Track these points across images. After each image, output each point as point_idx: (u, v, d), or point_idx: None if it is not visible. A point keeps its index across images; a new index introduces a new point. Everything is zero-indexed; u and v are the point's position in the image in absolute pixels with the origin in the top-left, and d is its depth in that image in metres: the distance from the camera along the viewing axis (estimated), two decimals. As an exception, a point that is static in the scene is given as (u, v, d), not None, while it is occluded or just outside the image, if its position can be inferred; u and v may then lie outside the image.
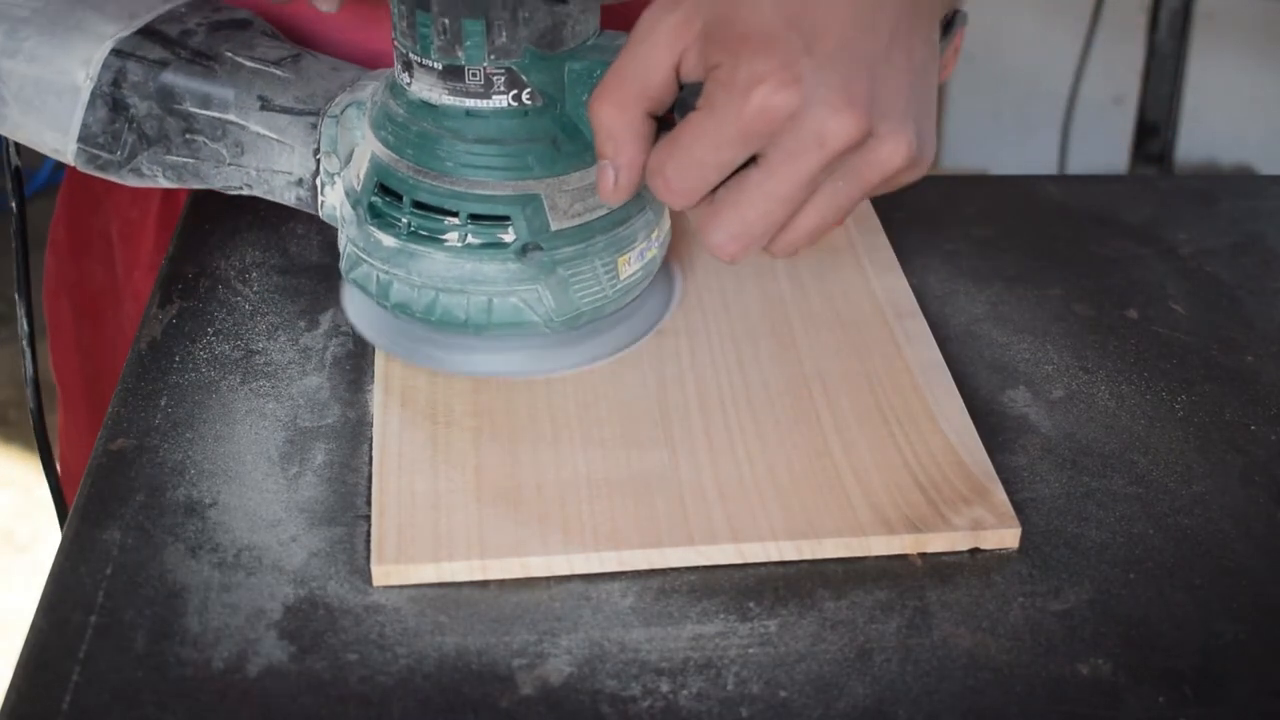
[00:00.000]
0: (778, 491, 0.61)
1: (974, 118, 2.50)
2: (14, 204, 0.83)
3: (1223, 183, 0.99)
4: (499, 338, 0.66)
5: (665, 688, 0.54)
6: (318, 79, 0.70)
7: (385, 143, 0.64)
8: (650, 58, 0.55)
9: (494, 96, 0.62)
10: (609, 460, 0.63)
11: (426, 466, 0.62)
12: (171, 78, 0.70)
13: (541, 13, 0.60)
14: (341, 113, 0.68)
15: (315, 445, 0.64)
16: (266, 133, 0.70)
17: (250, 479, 0.62)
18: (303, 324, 0.72)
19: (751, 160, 0.55)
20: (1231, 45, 2.36)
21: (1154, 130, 2.34)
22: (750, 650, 0.55)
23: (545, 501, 0.60)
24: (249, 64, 0.71)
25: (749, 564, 0.59)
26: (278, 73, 0.70)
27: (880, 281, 0.74)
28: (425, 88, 0.63)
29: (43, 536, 1.98)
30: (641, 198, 0.59)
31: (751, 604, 0.57)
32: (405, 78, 0.64)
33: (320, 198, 0.70)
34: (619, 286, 0.66)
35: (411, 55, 0.62)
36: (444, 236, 0.64)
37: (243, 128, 0.70)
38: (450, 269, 0.64)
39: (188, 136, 0.71)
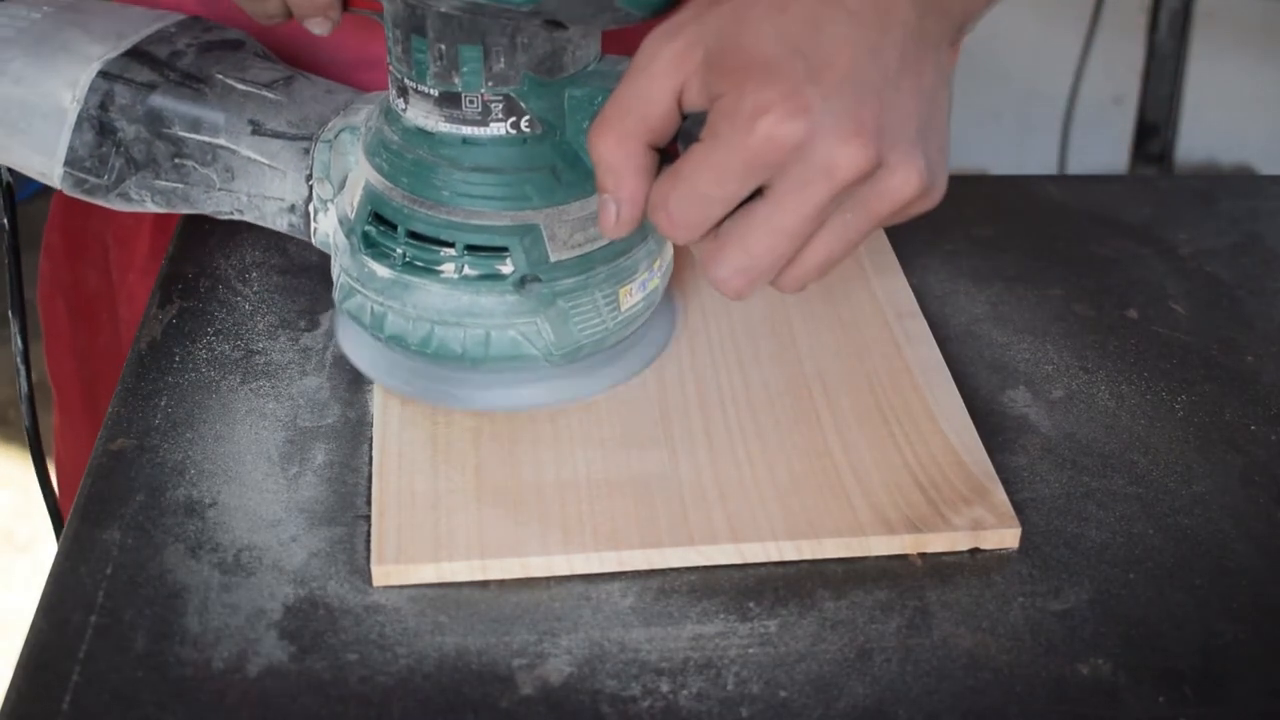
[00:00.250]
0: (778, 491, 0.61)
1: (974, 118, 2.50)
2: (5, 220, 0.81)
3: (1223, 183, 0.99)
4: (497, 371, 0.64)
5: (665, 688, 0.54)
6: (311, 102, 0.69)
7: (380, 170, 0.63)
8: (650, 88, 0.53)
9: (492, 124, 0.60)
10: (609, 460, 0.63)
11: (426, 466, 0.62)
12: (160, 101, 0.69)
13: (541, 38, 0.59)
14: (335, 137, 0.66)
15: (315, 445, 0.64)
16: (258, 158, 0.68)
17: (250, 479, 0.62)
18: (303, 324, 0.72)
19: (757, 193, 0.53)
20: (1231, 45, 2.36)
21: (1154, 130, 2.34)
22: (750, 650, 0.55)
23: (545, 501, 0.60)
24: (240, 87, 0.69)
25: (749, 564, 0.59)
26: (269, 96, 0.69)
27: (880, 281, 0.74)
28: (421, 114, 0.61)
29: (43, 536, 1.98)
30: (643, 227, 0.58)
31: (751, 604, 0.57)
32: (400, 104, 0.62)
33: (313, 224, 0.69)
34: (620, 318, 0.64)
35: (407, 81, 0.61)
36: (440, 268, 0.62)
37: (233, 152, 0.69)
38: (446, 301, 0.62)
39: (177, 161, 0.69)
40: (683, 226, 0.54)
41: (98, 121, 0.69)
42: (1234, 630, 0.57)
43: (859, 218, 0.54)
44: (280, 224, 0.70)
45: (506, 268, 0.61)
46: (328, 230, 0.68)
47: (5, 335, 0.83)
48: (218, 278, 0.75)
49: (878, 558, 0.59)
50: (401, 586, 0.57)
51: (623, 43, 0.61)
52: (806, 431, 0.64)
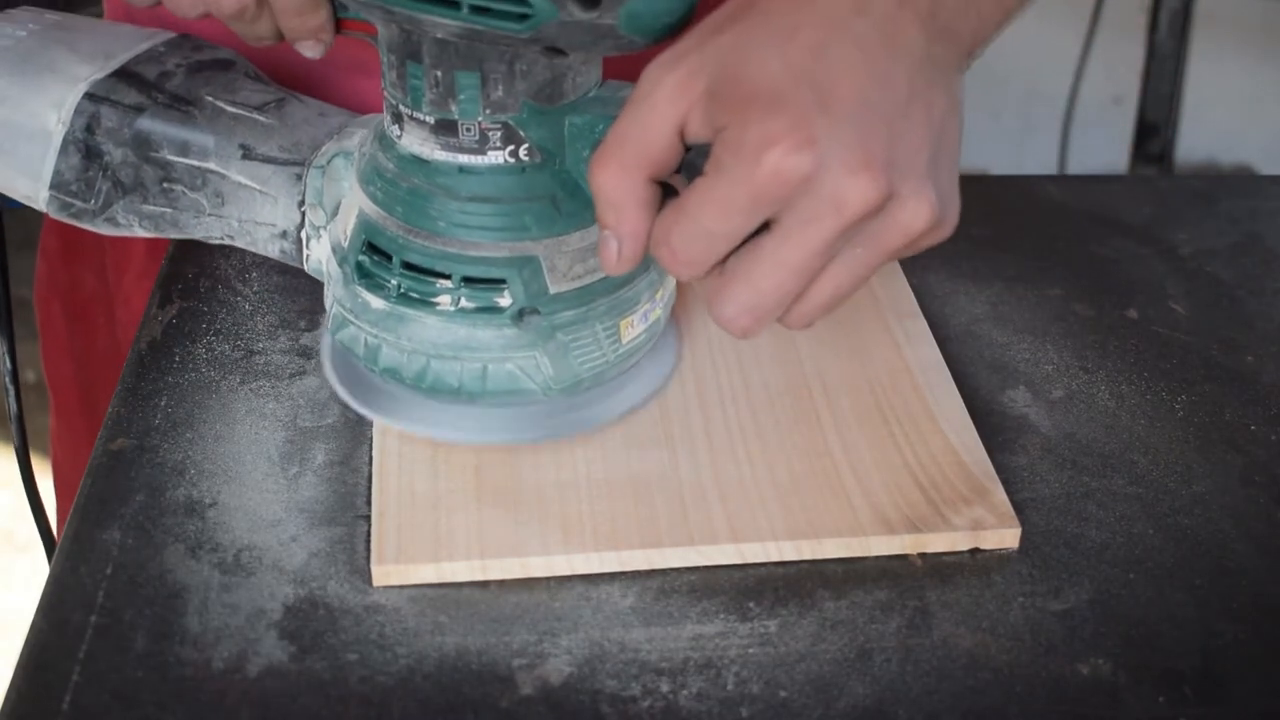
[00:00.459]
0: (778, 491, 0.61)
1: (974, 118, 2.49)
2: None
3: (1223, 183, 0.99)
4: (494, 405, 0.62)
5: (665, 688, 0.54)
6: (303, 125, 0.67)
7: (374, 199, 0.61)
8: (650, 120, 0.51)
9: (489, 152, 0.58)
10: (609, 460, 0.63)
11: (426, 466, 0.62)
12: (148, 124, 0.67)
13: (540, 65, 0.57)
14: (328, 163, 0.65)
15: (315, 445, 0.64)
16: (248, 183, 0.66)
17: (250, 479, 0.62)
18: (303, 324, 0.72)
19: (763, 227, 0.51)
20: (1231, 45, 2.36)
21: (1154, 130, 2.34)
22: (750, 650, 0.55)
23: (545, 501, 0.60)
24: (230, 109, 0.67)
25: (749, 564, 0.59)
26: (261, 119, 0.67)
27: (880, 282, 0.74)
28: (416, 141, 0.59)
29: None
30: (645, 258, 0.56)
31: (751, 604, 0.57)
32: (395, 130, 0.60)
33: (305, 251, 0.67)
34: (621, 351, 0.62)
35: (402, 107, 0.59)
36: (436, 300, 0.60)
37: (223, 177, 0.67)
38: (442, 334, 0.60)
39: (165, 185, 0.67)
40: (687, 263, 0.52)
41: (84, 144, 0.67)
42: (1234, 630, 0.57)
43: (869, 252, 0.52)
44: (272, 250, 0.68)
45: (505, 300, 0.60)
46: (320, 258, 0.66)
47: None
48: (218, 278, 0.75)
49: (878, 558, 0.59)
50: (401, 586, 0.57)
51: (625, 69, 0.60)
52: (806, 431, 0.64)
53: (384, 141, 0.61)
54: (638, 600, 0.57)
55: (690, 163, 0.52)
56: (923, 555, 0.59)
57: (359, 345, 0.62)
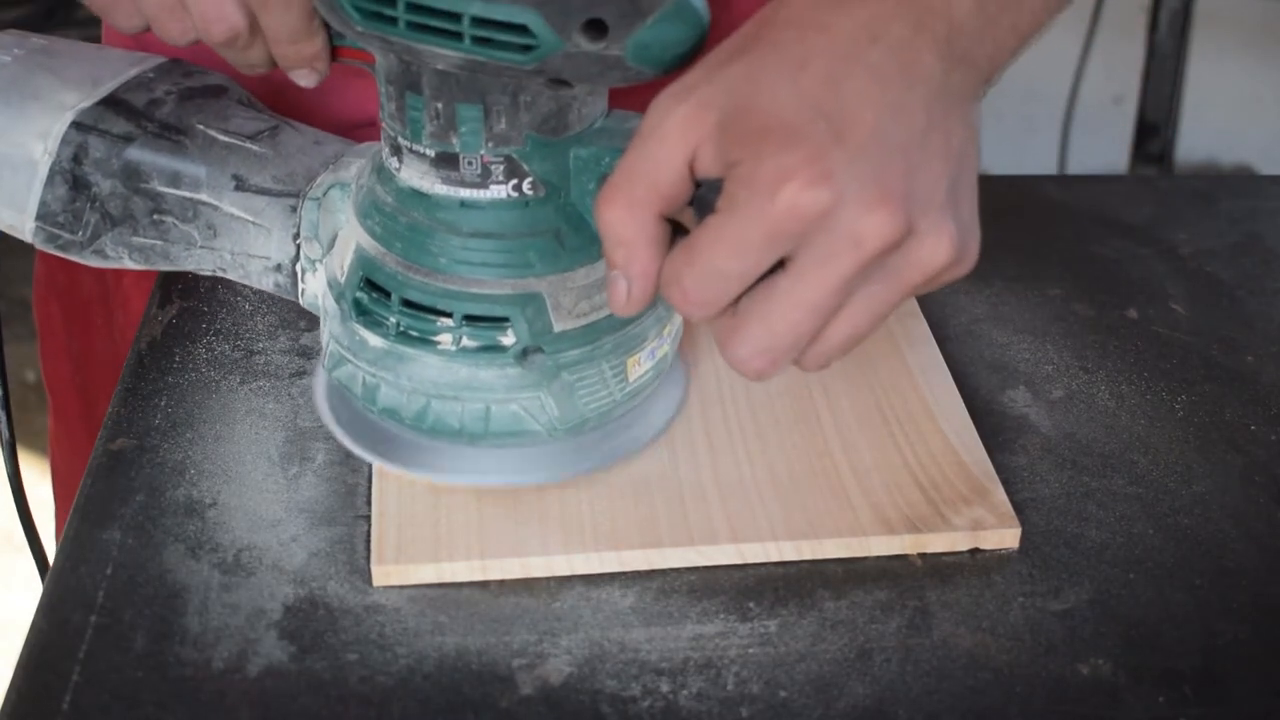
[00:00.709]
0: (778, 491, 0.61)
1: (973, 118, 2.50)
2: None
3: (1223, 183, 0.99)
4: (497, 446, 0.60)
5: (665, 688, 0.54)
6: (298, 155, 0.65)
7: (372, 233, 0.58)
8: (659, 155, 0.49)
9: (492, 186, 0.56)
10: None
11: (426, 466, 0.62)
12: (137, 154, 0.64)
13: (544, 97, 0.54)
14: (324, 195, 0.63)
15: (315, 445, 0.64)
16: (241, 214, 0.64)
17: (250, 479, 0.62)
18: (303, 324, 0.72)
19: (777, 265, 0.49)
20: (1231, 45, 2.36)
21: (1154, 130, 2.34)
22: (750, 650, 0.55)
23: (545, 501, 0.60)
24: (222, 138, 0.65)
25: (749, 564, 0.59)
26: (254, 148, 0.65)
27: (880, 281, 0.74)
28: (416, 175, 0.57)
29: (43, 537, 1.98)
30: None
31: (751, 604, 0.57)
32: (394, 163, 0.58)
33: (301, 285, 0.64)
34: (628, 389, 0.60)
35: (401, 140, 0.57)
36: (436, 338, 0.58)
37: (215, 208, 0.64)
38: (443, 374, 0.58)
39: (155, 217, 0.65)
40: (699, 304, 0.50)
41: (71, 175, 0.65)
42: (1234, 630, 0.57)
43: (887, 289, 0.50)
44: (266, 284, 0.66)
45: (508, 339, 0.57)
46: (316, 292, 0.64)
47: (5, 336, 0.83)
48: (218, 278, 0.75)
49: (878, 558, 0.59)
50: (401, 586, 0.57)
51: (631, 99, 0.58)
52: (806, 431, 0.64)
53: (382, 174, 0.59)
54: (638, 600, 0.57)
55: (702, 198, 0.50)
56: (923, 555, 0.59)
57: (357, 384, 0.60)
